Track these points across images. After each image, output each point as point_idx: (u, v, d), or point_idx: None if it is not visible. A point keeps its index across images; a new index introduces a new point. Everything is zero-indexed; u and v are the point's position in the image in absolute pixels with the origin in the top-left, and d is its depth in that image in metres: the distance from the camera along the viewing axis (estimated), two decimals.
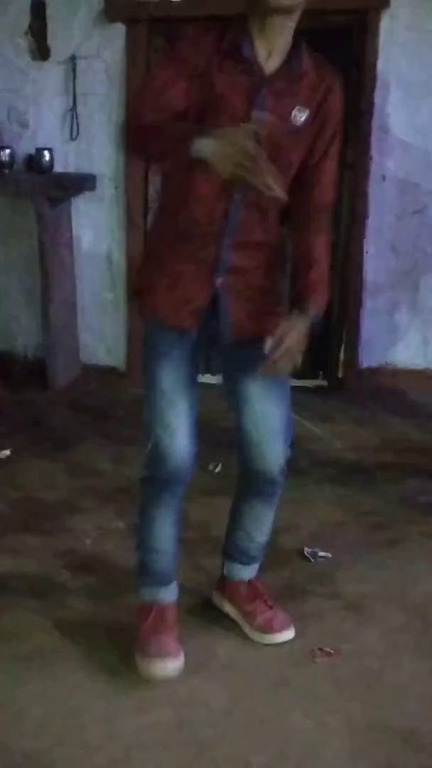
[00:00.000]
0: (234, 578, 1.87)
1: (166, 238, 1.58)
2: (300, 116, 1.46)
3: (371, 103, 3.15)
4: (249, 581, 1.87)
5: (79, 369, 3.61)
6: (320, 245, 1.63)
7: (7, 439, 2.95)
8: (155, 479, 1.66)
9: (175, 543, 1.76)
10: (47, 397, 3.41)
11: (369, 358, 3.46)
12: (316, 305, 1.57)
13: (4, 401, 3.35)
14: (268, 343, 1.48)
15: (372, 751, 1.46)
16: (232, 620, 1.82)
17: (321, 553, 2.26)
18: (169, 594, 1.76)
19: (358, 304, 3.37)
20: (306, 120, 1.46)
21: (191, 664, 1.63)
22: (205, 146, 1.22)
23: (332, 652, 1.73)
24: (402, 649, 1.80)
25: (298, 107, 1.45)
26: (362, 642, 1.84)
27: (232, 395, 1.68)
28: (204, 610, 1.86)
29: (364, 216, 3.26)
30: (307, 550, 2.26)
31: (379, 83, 3.17)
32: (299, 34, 1.44)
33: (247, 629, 1.82)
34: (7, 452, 2.84)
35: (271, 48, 1.43)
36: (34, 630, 1.84)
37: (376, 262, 3.38)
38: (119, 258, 3.47)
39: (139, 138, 1.50)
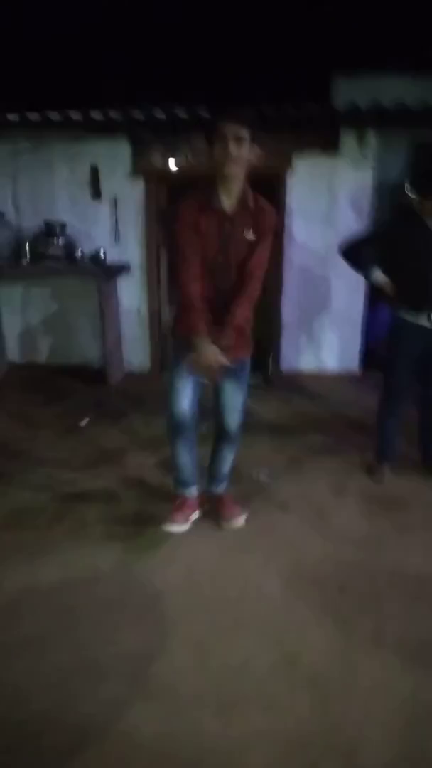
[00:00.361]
0: (217, 491, 2.82)
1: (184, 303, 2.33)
2: (248, 234, 2.20)
3: (284, 224, 5.06)
4: (222, 493, 2.82)
5: (124, 372, 5.48)
6: (239, 304, 2.29)
7: (86, 413, 4.40)
8: (170, 424, 2.58)
9: (191, 463, 2.69)
10: (106, 389, 5.06)
11: (285, 365, 5.39)
12: (225, 338, 2.29)
13: (83, 392, 5.01)
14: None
15: (308, 594, 2.27)
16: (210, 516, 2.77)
17: (262, 476, 3.30)
18: (189, 492, 2.73)
19: (278, 334, 5.32)
20: (252, 235, 2.20)
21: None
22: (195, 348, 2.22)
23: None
24: (310, 526, 2.76)
25: (246, 229, 2.19)
26: (285, 524, 2.81)
27: (216, 390, 2.55)
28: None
29: (281, 287, 5.23)
30: (253, 473, 3.32)
31: (288, 211, 5.08)
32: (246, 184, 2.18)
33: (219, 521, 2.75)
34: (87, 420, 4.31)
35: (229, 195, 2.16)
36: (105, 519, 2.84)
37: (289, 311, 5.30)
38: (144, 311, 5.48)
39: (178, 291, 2.32)
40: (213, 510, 2.84)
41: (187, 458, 2.68)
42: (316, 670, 1.97)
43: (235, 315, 2.32)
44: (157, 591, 2.36)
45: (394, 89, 6.32)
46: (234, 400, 2.58)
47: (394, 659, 2.01)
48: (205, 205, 2.20)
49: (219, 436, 2.71)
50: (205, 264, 2.26)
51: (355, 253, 3.16)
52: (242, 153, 2.11)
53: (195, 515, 2.79)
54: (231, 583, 2.42)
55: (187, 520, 2.72)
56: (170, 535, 2.72)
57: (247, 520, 2.81)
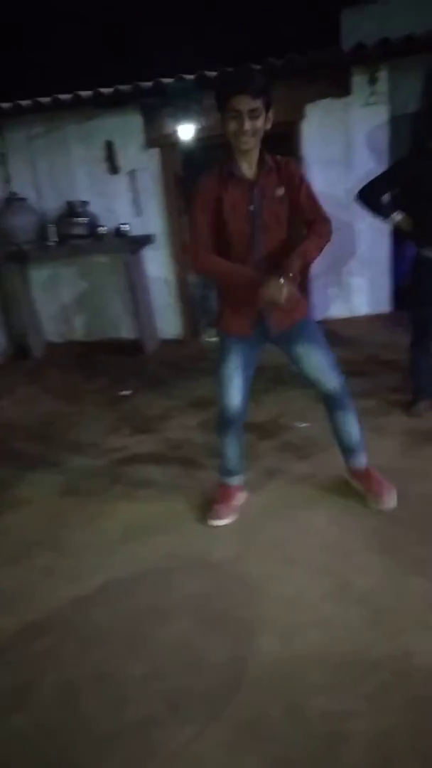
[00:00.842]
0: (356, 465, 2.62)
1: (226, 289, 2.33)
2: (279, 191, 2.14)
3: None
4: (365, 468, 2.61)
5: (159, 341, 5.61)
6: (309, 241, 2.20)
7: (126, 384, 4.58)
8: (221, 419, 2.51)
9: (239, 453, 2.61)
10: (143, 359, 5.25)
11: (317, 314, 5.35)
12: (290, 266, 2.10)
13: (121, 363, 5.17)
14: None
15: (356, 524, 2.40)
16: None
17: (303, 424, 3.42)
18: (234, 480, 2.65)
19: (307, 284, 5.27)
20: (282, 192, 2.15)
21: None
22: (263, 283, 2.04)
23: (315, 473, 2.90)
24: (334, 457, 2.74)
25: (275, 188, 2.13)
26: (329, 466, 2.83)
27: (294, 361, 2.42)
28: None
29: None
30: (294, 423, 3.47)
31: (305, 161, 5.08)
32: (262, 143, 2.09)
33: (367, 499, 2.55)
34: (128, 391, 4.47)
35: (249, 163, 2.12)
36: (156, 480, 3.01)
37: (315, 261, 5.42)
38: (172, 279, 5.58)
39: (206, 274, 2.33)
40: (358, 484, 2.67)
41: (235, 448, 2.61)
42: (365, 591, 2.09)
43: (302, 244, 2.21)
44: (212, 537, 2.52)
45: (406, 16, 6.21)
46: (318, 362, 2.41)
47: None
48: (226, 178, 2.16)
49: (327, 404, 2.55)
50: (236, 235, 2.19)
51: (371, 197, 3.20)
52: (258, 125, 2.03)
53: (239, 503, 2.69)
54: (281, 523, 2.55)
55: (231, 510, 2.63)
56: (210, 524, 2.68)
57: (395, 495, 2.57)
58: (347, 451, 2.63)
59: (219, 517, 2.59)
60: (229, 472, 2.67)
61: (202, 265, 2.27)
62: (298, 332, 2.38)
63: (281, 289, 2.07)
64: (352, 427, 2.57)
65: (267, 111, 2.07)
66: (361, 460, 2.63)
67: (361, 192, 3.24)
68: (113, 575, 2.36)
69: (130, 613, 2.14)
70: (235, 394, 2.42)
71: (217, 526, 2.57)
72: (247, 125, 2.01)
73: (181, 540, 2.54)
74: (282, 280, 2.07)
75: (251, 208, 2.16)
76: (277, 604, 2.09)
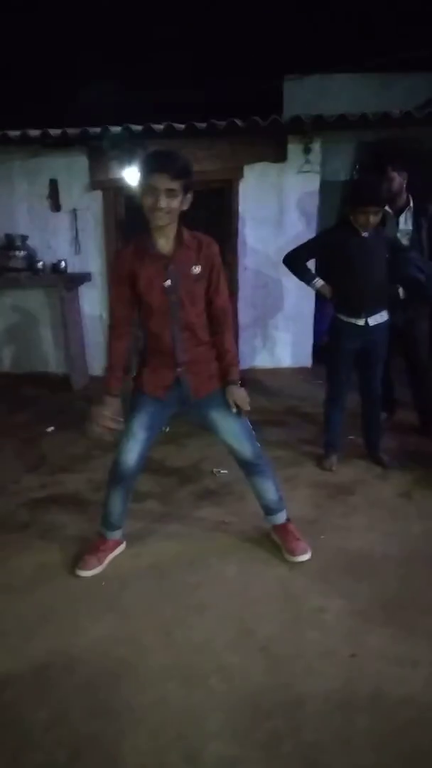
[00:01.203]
0: (273, 522, 2.70)
1: (147, 350, 2.40)
2: (195, 269, 2.20)
3: (236, 229, 5.35)
4: (281, 524, 2.68)
5: (88, 378, 5.62)
6: (228, 339, 2.37)
7: (50, 421, 4.55)
8: (113, 472, 2.50)
9: (122, 509, 2.59)
10: (71, 395, 5.25)
11: (242, 363, 5.46)
12: (237, 374, 2.37)
13: (47, 399, 5.17)
14: (233, 407, 2.39)
15: (262, 574, 2.57)
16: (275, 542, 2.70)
17: (222, 471, 3.50)
18: (111, 535, 2.63)
19: (236, 335, 5.57)
20: (199, 270, 2.20)
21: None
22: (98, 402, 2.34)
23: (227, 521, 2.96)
24: (249, 504, 2.98)
25: (192, 265, 2.19)
26: (243, 513, 3.00)
27: (209, 428, 2.49)
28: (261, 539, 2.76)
29: (236, 290, 5.47)
30: (214, 470, 3.54)
31: (239, 218, 5.35)
32: (180, 217, 2.17)
33: (283, 552, 2.64)
34: (52, 428, 4.44)
35: (166, 238, 2.18)
36: (75, 521, 3.13)
37: (244, 312, 5.57)
38: (106, 317, 5.58)
39: (108, 336, 2.41)
40: (276, 538, 2.75)
41: (119, 505, 2.60)
42: (266, 639, 2.21)
43: (230, 351, 2.41)
44: (124, 580, 2.57)
45: (343, 90, 6.73)
46: (233, 429, 2.48)
47: (337, 628, 2.26)
48: (142, 252, 2.22)
49: (243, 469, 2.62)
50: (153, 308, 2.27)
51: (296, 263, 3.45)
52: (173, 205, 2.09)
53: (111, 557, 2.68)
54: (192, 570, 2.63)
55: (99, 563, 2.61)
56: (137, 530, 2.89)
57: (310, 552, 2.67)
58: (265, 509, 2.72)
59: (87, 568, 2.58)
60: (109, 525, 2.65)
61: (109, 339, 2.43)
62: (214, 401, 2.45)
63: (245, 397, 2.39)
64: (268, 491, 2.65)
65: (185, 193, 2.14)
66: (280, 517, 2.72)
67: (287, 257, 3.48)
68: (22, 617, 2.37)
69: (36, 656, 2.16)
70: (133, 450, 2.44)
71: (84, 577, 2.57)
72: (163, 203, 2.06)
73: (94, 583, 2.57)
74: (242, 391, 2.41)
75: (167, 284, 2.22)
76: (184, 651, 2.17)
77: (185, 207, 2.17)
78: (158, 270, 2.22)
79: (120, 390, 2.41)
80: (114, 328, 2.40)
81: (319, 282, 3.43)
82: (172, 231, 2.21)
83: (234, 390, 2.40)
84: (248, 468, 2.60)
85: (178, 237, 2.22)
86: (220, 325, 2.39)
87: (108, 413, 2.34)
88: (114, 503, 2.59)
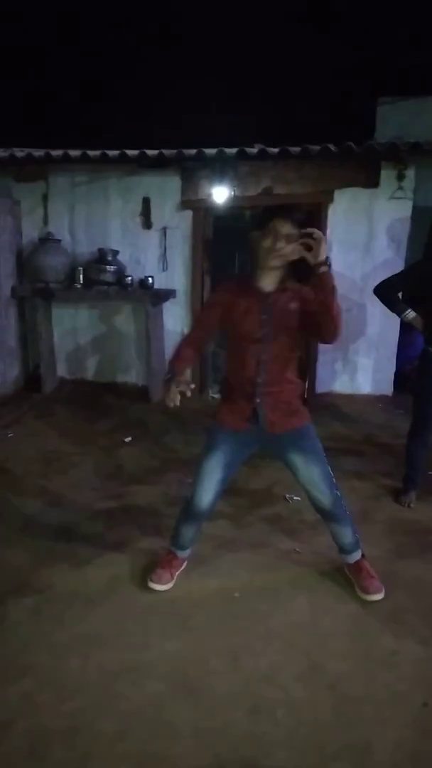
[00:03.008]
0: (347, 561, 2.68)
1: (227, 385, 2.46)
2: (292, 305, 2.27)
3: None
4: (355, 561, 2.66)
5: None
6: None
7: (129, 430, 4.71)
8: (188, 508, 2.54)
9: (193, 536, 2.65)
10: (149, 407, 5.44)
11: (321, 386, 5.61)
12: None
13: (127, 409, 5.35)
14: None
15: (333, 608, 2.52)
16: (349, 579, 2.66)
17: (295, 497, 3.47)
18: (181, 553, 2.67)
19: (314, 360, 5.56)
20: (296, 306, 2.27)
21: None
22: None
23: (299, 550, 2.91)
24: (321, 535, 2.91)
25: (289, 302, 2.27)
26: (316, 544, 2.96)
27: (288, 467, 2.50)
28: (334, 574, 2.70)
29: None
30: (287, 495, 3.54)
31: (328, 241, 5.39)
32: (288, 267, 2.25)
33: (357, 589, 2.60)
34: (130, 438, 4.58)
35: (271, 281, 2.30)
36: (149, 533, 3.10)
37: None
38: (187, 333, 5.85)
39: (179, 344, 2.53)
40: (351, 576, 2.71)
41: (191, 531, 2.65)
42: (336, 677, 2.16)
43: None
44: (194, 601, 2.59)
45: None
46: (313, 476, 2.47)
47: (410, 674, 2.19)
48: (245, 287, 2.35)
49: (320, 515, 2.62)
50: (243, 337, 2.34)
51: (386, 293, 3.39)
52: (288, 250, 2.19)
53: (180, 570, 2.74)
54: (261, 598, 2.62)
55: (172, 578, 2.67)
56: (207, 550, 2.91)
57: (383, 591, 2.61)
58: (340, 549, 2.69)
59: (160, 582, 2.62)
60: (180, 545, 2.70)
61: (179, 346, 2.53)
62: (294, 440, 2.44)
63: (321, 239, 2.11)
64: (344, 536, 2.63)
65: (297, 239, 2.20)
66: (354, 556, 2.68)
67: (379, 287, 3.44)
68: (94, 625, 2.43)
69: (105, 666, 2.21)
70: (208, 491, 2.48)
71: (156, 591, 2.61)
72: (281, 245, 2.19)
73: (166, 598, 2.61)
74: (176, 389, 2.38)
75: (264, 317, 2.29)
76: (251, 679, 2.16)
77: (295, 257, 2.22)
78: (256, 303, 2.31)
79: (183, 375, 2.46)
80: (186, 339, 2.54)
81: (411, 314, 3.36)
82: (277, 276, 2.31)
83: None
84: (324, 515, 2.59)
85: (283, 282, 2.32)
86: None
87: (173, 390, 2.38)
88: (185, 531, 2.65)
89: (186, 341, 2.53)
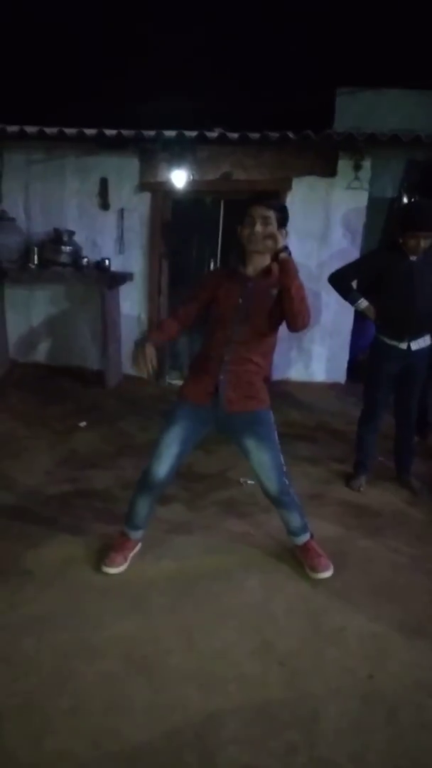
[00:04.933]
0: (296, 542, 2.75)
1: (197, 359, 2.57)
2: (273, 291, 2.34)
3: None
4: (303, 542, 2.73)
5: (122, 376, 5.72)
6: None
7: (84, 415, 4.67)
8: (143, 479, 2.57)
9: (147, 513, 2.66)
10: (104, 392, 5.34)
11: (276, 373, 5.54)
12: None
13: (82, 393, 5.29)
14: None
15: (284, 587, 2.82)
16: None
17: (249, 481, 3.44)
18: (134, 535, 2.69)
19: (270, 375, 5.64)
20: (275, 292, 2.32)
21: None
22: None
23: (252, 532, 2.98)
24: (273, 517, 2.85)
25: (270, 288, 2.35)
26: (268, 526, 3.00)
27: (241, 451, 2.55)
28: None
29: None
30: (241, 479, 3.58)
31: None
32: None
33: (305, 568, 2.69)
34: (84, 423, 4.52)
35: (254, 267, 2.38)
36: (101, 518, 3.10)
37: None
38: (144, 318, 5.75)
39: (192, 363, 2.62)
40: (299, 557, 2.78)
41: (145, 509, 2.67)
42: (286, 653, 2.23)
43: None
44: (149, 582, 2.62)
45: (396, 105, 6.74)
46: (265, 462, 2.53)
47: (356, 648, 2.28)
48: (232, 273, 2.45)
49: (268, 499, 2.67)
50: (221, 317, 2.41)
51: (341, 282, 3.46)
52: (268, 230, 2.29)
53: (134, 552, 2.76)
54: (214, 579, 2.67)
55: (125, 560, 2.69)
56: (162, 533, 2.94)
57: (332, 569, 2.69)
58: (288, 531, 2.75)
59: (113, 565, 2.65)
60: (134, 525, 2.71)
61: (168, 317, 2.62)
62: (251, 424, 2.51)
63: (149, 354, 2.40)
64: (292, 520, 2.71)
65: (280, 227, 2.34)
66: (303, 538, 2.75)
67: (333, 276, 3.50)
68: (48, 606, 2.43)
69: (58, 645, 2.22)
70: (165, 463, 2.51)
71: (110, 573, 2.63)
72: (258, 228, 2.29)
73: (120, 580, 2.63)
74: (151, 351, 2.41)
75: (240, 300, 2.37)
76: (204, 656, 2.21)
77: (280, 245, 2.30)
78: (237, 287, 2.39)
79: (158, 343, 2.51)
80: (174, 312, 2.58)
81: (363, 303, 3.44)
82: (262, 262, 2.39)
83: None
84: (272, 500, 2.65)
85: (267, 269, 2.39)
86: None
87: (149, 352, 2.40)
88: (140, 507, 2.66)
89: (172, 314, 2.58)
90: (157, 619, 2.40)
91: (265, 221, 2.30)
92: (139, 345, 2.46)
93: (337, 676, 2.15)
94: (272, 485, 2.57)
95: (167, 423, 2.54)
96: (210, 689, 2.05)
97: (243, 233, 2.36)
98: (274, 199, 2.45)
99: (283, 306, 2.31)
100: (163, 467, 2.52)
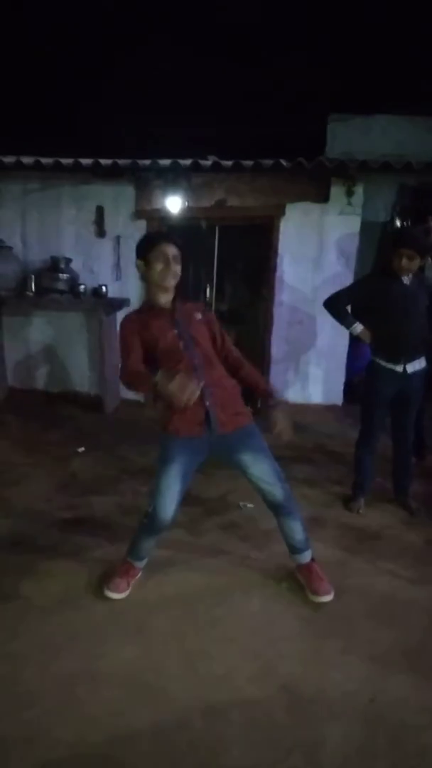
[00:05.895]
0: (298, 561, 2.75)
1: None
2: (197, 315, 2.52)
3: (275, 265, 5.48)
4: (306, 563, 2.72)
5: (119, 401, 5.75)
6: (250, 371, 2.60)
7: (82, 440, 4.67)
8: (150, 524, 2.56)
9: (151, 548, 2.68)
10: (102, 417, 5.41)
11: None
12: (274, 392, 2.55)
13: (80, 419, 5.31)
14: (275, 429, 2.49)
15: (286, 611, 2.60)
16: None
17: (248, 504, 3.54)
18: (138, 564, 2.71)
19: (268, 368, 5.67)
20: (201, 317, 2.52)
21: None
22: (161, 385, 2.18)
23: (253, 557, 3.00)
24: (274, 541, 2.96)
25: (194, 312, 2.52)
26: (270, 551, 3.02)
27: (239, 469, 2.55)
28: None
29: (271, 324, 5.60)
30: (240, 503, 3.61)
31: (279, 254, 5.48)
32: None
33: (306, 591, 2.68)
34: (83, 448, 4.54)
35: (167, 299, 2.48)
36: (102, 545, 3.11)
37: (277, 347, 5.66)
38: None
39: (127, 383, 2.43)
40: (301, 578, 2.79)
41: (150, 545, 2.70)
42: (288, 678, 2.24)
43: (256, 375, 2.67)
44: (150, 608, 2.62)
45: (387, 131, 6.88)
46: (263, 471, 2.54)
47: (358, 672, 2.29)
48: (147, 312, 2.51)
49: (271, 510, 2.67)
50: (168, 350, 2.43)
51: (336, 306, 3.51)
52: (178, 270, 2.46)
53: (137, 578, 2.77)
54: (216, 603, 2.68)
55: (128, 587, 2.70)
56: (162, 558, 2.93)
57: (333, 593, 2.70)
58: (291, 548, 2.75)
59: (117, 591, 2.66)
60: (138, 557, 2.73)
61: (128, 373, 2.41)
62: (242, 440, 2.52)
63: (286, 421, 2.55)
64: (296, 531, 2.69)
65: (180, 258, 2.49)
66: (305, 557, 2.75)
67: (328, 301, 3.55)
68: (50, 634, 2.43)
69: (61, 675, 2.22)
70: (169, 504, 2.50)
71: (112, 599, 2.64)
72: (173, 267, 2.43)
73: (122, 606, 2.63)
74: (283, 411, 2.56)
75: (176, 330, 2.46)
76: (206, 682, 2.21)
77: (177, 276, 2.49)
78: (166, 321, 2.47)
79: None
80: (126, 367, 2.44)
81: (358, 327, 3.49)
82: (171, 294, 2.51)
83: (276, 408, 2.57)
84: (277, 510, 2.64)
85: (175, 299, 2.53)
86: (240, 366, 2.63)
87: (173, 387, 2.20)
88: (145, 544, 2.69)
89: (127, 367, 2.43)
90: (159, 644, 2.40)
91: (176, 260, 2.45)
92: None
93: (340, 700, 2.15)
94: (276, 491, 2.57)
95: (164, 463, 2.51)
96: (213, 715, 2.06)
97: (155, 269, 2.42)
98: (177, 237, 2.55)
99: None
100: (169, 510, 2.51)
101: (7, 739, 1.92)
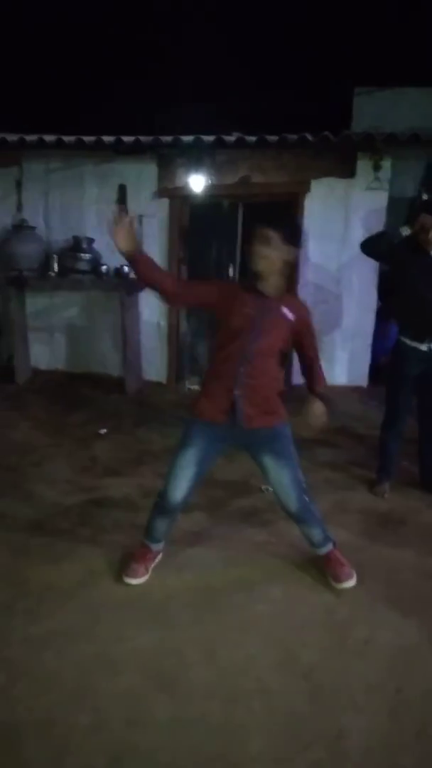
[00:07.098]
0: (318, 553, 2.70)
1: (209, 376, 2.49)
2: (287, 313, 2.39)
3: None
4: (326, 553, 2.68)
5: (142, 382, 5.75)
6: (316, 369, 2.65)
7: (104, 422, 4.67)
8: (160, 504, 2.56)
9: (166, 529, 2.64)
10: (125, 399, 5.40)
11: (297, 378, 5.66)
12: (320, 386, 2.59)
13: (102, 401, 5.29)
14: (308, 416, 2.52)
15: (307, 598, 2.55)
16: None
17: (270, 488, 2.90)
18: (155, 546, 2.67)
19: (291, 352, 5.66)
20: (292, 317, 2.38)
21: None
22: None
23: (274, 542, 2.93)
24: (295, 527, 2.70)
25: (284, 308, 2.38)
26: (290, 535, 2.87)
27: (260, 468, 2.52)
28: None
29: None
30: (262, 487, 3.51)
31: (305, 232, 5.42)
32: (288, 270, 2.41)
33: (328, 578, 2.63)
34: (105, 430, 4.55)
35: (266, 284, 2.37)
36: (123, 526, 3.09)
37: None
38: (163, 324, 5.76)
39: (205, 381, 2.55)
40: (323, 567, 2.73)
41: (164, 526, 2.66)
42: (310, 666, 2.18)
43: (317, 374, 2.69)
44: (170, 593, 2.59)
45: (415, 104, 6.65)
46: (283, 480, 2.51)
47: (383, 661, 2.22)
48: (249, 288, 2.41)
49: (289, 516, 2.65)
50: (233, 330, 2.38)
51: (372, 242, 3.46)
52: (268, 252, 2.31)
53: (155, 563, 2.73)
54: (236, 589, 2.63)
55: (147, 571, 2.67)
56: (183, 542, 2.90)
57: (355, 578, 2.64)
58: (310, 543, 2.71)
59: (135, 576, 2.62)
60: (154, 539, 2.69)
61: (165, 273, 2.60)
62: (269, 442, 2.47)
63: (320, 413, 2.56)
64: (312, 535, 2.67)
65: (287, 242, 2.34)
66: (325, 549, 2.70)
67: (364, 242, 3.54)
68: (69, 619, 2.41)
69: (80, 660, 2.19)
70: (181, 486, 2.48)
71: (131, 585, 2.60)
72: (258, 248, 2.32)
73: (141, 591, 2.60)
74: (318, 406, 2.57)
75: (255, 313, 2.35)
76: (227, 669, 2.17)
77: (286, 258, 2.36)
78: (253, 300, 2.37)
79: (139, 250, 2.55)
80: (177, 277, 2.53)
81: (406, 230, 3.35)
82: (273, 282, 2.39)
83: (312, 401, 2.60)
84: (292, 517, 2.63)
85: (279, 289, 2.41)
86: (310, 364, 2.68)
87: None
88: (159, 525, 2.65)
89: (175, 276, 2.54)
90: (179, 631, 2.37)
91: (265, 242, 2.32)
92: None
93: (363, 691, 2.09)
94: (292, 503, 2.55)
95: (182, 444, 2.48)
96: (233, 704, 2.01)
97: (251, 250, 2.38)
98: (281, 221, 2.43)
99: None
100: (179, 491, 2.48)
101: (24, 724, 1.91)
